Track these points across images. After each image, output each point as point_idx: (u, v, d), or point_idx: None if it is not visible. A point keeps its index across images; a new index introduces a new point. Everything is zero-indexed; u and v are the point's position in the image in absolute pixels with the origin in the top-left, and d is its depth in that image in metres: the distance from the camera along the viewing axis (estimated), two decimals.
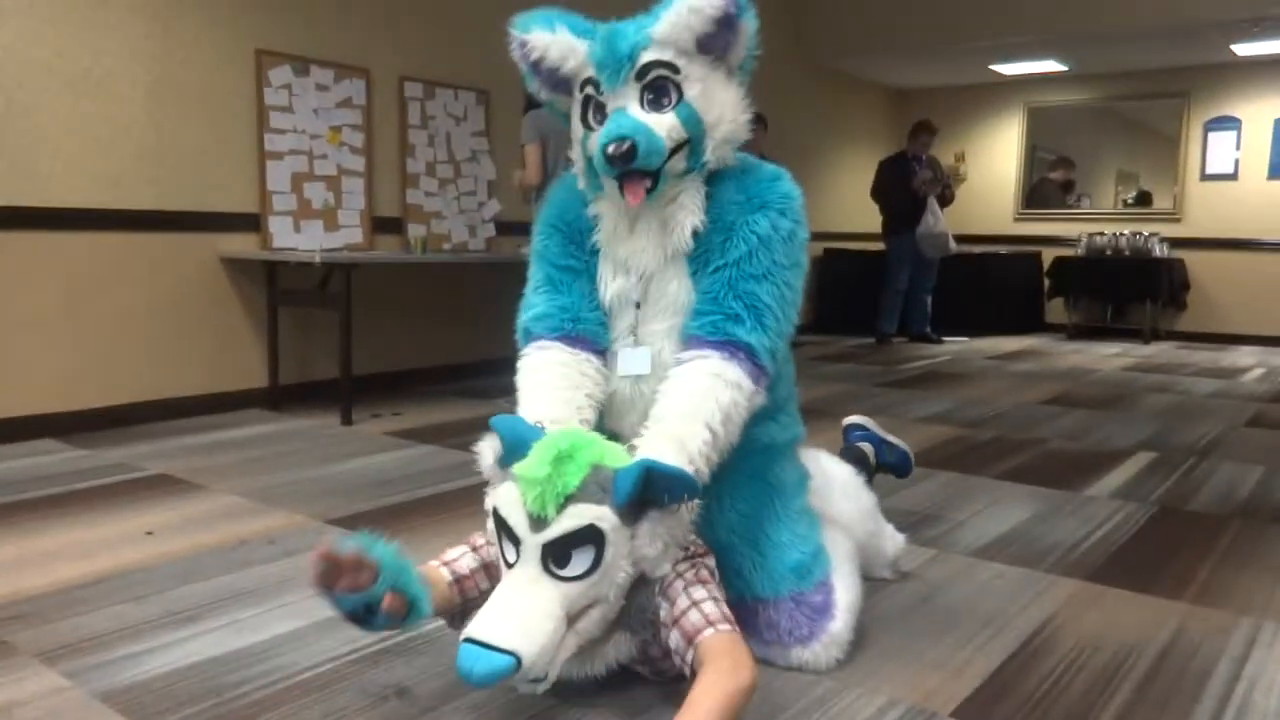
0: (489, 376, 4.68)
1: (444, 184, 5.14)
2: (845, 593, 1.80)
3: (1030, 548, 2.52)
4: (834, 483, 2.04)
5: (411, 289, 4.98)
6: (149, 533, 2.55)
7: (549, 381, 1.73)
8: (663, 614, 1.50)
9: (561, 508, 1.37)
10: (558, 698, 1.63)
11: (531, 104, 4.16)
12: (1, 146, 3.55)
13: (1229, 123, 8.01)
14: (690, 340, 1.69)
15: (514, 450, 1.45)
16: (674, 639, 1.48)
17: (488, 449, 1.59)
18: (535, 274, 1.88)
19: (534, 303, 1.84)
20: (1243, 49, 7.35)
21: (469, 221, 5.27)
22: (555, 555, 1.37)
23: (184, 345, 4.16)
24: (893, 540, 2.21)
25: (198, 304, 4.19)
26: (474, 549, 1.67)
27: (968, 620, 2.02)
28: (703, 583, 1.53)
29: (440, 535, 2.53)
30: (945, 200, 7.53)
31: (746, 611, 1.74)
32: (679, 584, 1.51)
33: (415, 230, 5.00)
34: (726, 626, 1.47)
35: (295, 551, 2.41)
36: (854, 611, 1.81)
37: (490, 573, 1.63)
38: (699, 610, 1.47)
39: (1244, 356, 7.10)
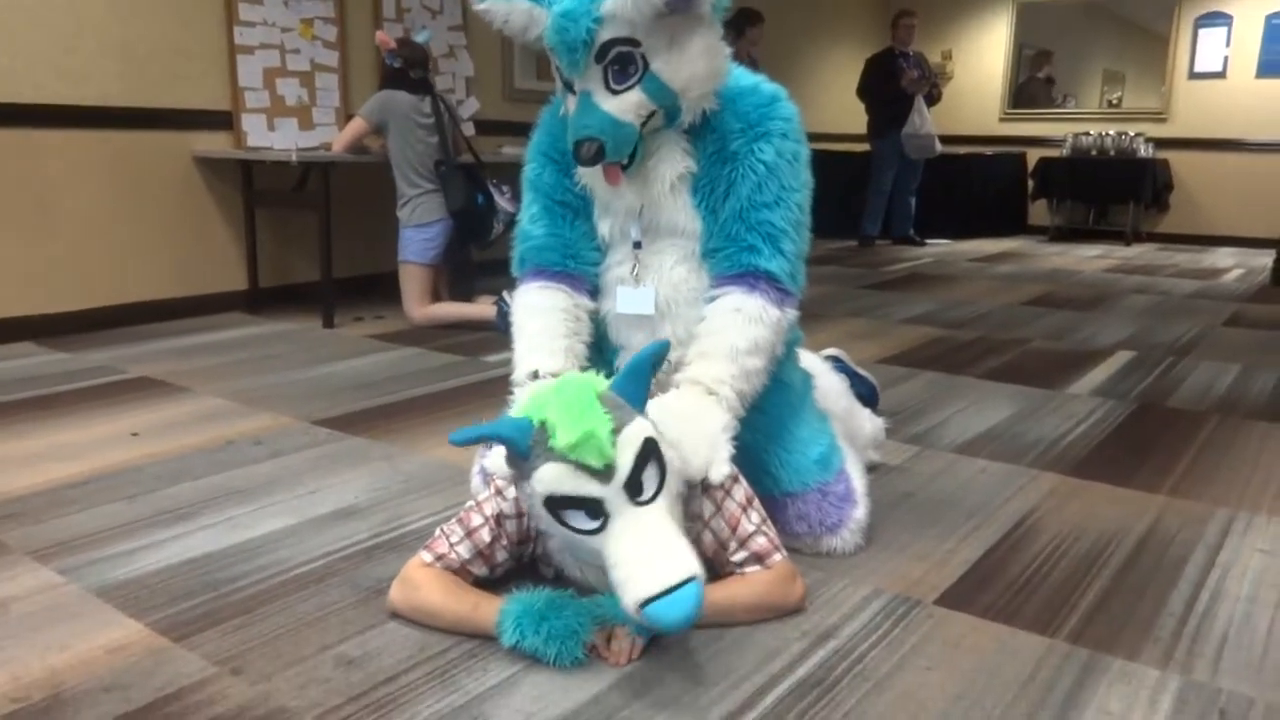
0: (471, 278, 4.63)
1: None
2: (859, 479, 1.88)
3: (1013, 444, 2.56)
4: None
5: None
6: (134, 434, 2.54)
7: (551, 329, 1.75)
8: (706, 512, 1.56)
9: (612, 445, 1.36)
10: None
11: (389, 83, 4.03)
12: None
13: (1220, 19, 7.87)
14: (714, 279, 1.72)
15: (520, 441, 1.39)
16: (736, 551, 1.57)
17: (491, 463, 1.55)
18: (530, 204, 1.84)
19: (531, 233, 1.82)
20: None
21: None
22: (633, 491, 1.37)
23: (160, 247, 4.08)
24: (871, 421, 2.28)
25: (172, 205, 4.10)
26: (466, 527, 1.60)
27: (951, 513, 2.06)
28: (756, 508, 1.60)
29: (430, 435, 2.54)
30: (933, 99, 7.41)
31: (776, 506, 1.77)
32: (733, 498, 1.57)
33: None
34: (784, 554, 1.60)
35: (283, 452, 2.41)
36: (868, 495, 1.88)
37: (496, 541, 1.59)
38: (765, 535, 1.58)
39: (1223, 257, 7.13)
